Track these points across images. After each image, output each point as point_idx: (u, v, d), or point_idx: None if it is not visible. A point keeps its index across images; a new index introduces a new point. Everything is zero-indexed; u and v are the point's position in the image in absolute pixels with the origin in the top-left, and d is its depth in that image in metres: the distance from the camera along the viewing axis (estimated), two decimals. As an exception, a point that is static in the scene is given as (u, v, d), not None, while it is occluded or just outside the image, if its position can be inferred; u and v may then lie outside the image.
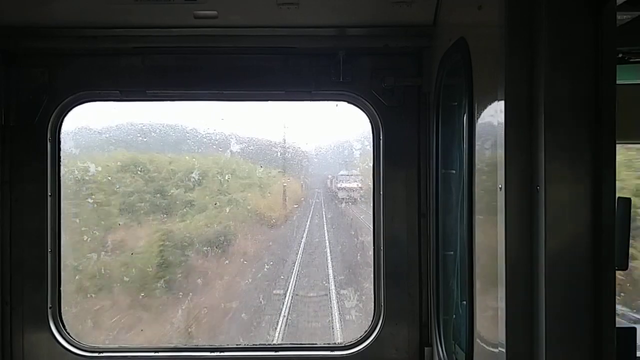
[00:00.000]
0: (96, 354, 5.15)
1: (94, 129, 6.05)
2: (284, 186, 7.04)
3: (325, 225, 7.67)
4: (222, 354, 5.20)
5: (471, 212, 3.75)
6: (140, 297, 6.33)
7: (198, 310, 6.44)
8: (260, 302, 6.99)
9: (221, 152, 6.63)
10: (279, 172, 6.85)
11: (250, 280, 6.83)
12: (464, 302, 3.95)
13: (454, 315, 4.59)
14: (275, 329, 6.91)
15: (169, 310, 6.37)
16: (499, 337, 3.20)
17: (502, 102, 3.18)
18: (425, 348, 5.04)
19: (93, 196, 6.08)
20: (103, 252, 6.12)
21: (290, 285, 7.33)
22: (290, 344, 5.86)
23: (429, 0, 4.64)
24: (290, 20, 4.77)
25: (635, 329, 3.76)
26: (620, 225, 3.45)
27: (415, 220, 5.16)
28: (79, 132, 5.75)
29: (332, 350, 5.23)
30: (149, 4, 4.58)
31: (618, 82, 3.01)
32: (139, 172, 6.51)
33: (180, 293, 6.49)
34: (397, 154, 5.17)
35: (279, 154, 6.90)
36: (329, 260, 7.46)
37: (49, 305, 5.10)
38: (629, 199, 3.79)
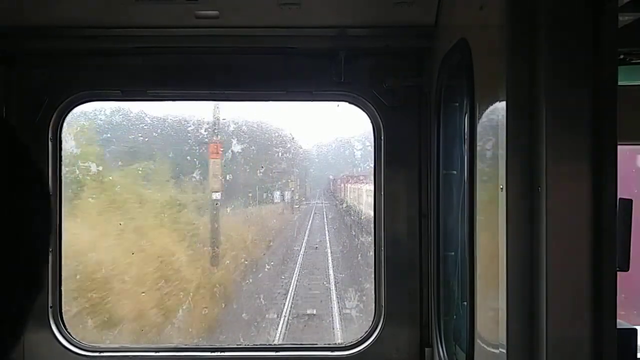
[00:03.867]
0: (97, 354, 5.15)
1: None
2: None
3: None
4: (222, 354, 5.20)
5: (472, 212, 3.75)
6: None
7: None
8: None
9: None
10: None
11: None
12: (465, 303, 3.94)
13: (455, 316, 4.59)
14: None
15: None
16: (500, 337, 3.20)
17: (504, 103, 3.18)
18: (426, 349, 5.03)
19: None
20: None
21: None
22: (291, 344, 5.87)
23: (430, 0, 4.63)
24: (291, 20, 4.77)
25: (636, 330, 3.77)
26: (621, 226, 3.45)
27: (416, 220, 5.16)
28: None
29: (332, 351, 5.22)
30: (150, 3, 4.58)
31: (619, 83, 3.01)
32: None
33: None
34: (398, 155, 5.17)
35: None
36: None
37: (50, 304, 5.10)
38: (630, 200, 3.80)
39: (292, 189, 6.17)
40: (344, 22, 4.88)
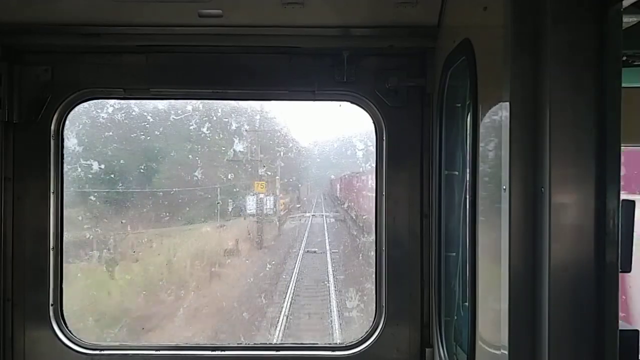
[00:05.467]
0: (97, 352, 5.15)
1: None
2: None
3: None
4: (223, 352, 5.20)
5: (474, 213, 3.74)
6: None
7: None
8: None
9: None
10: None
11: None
12: (466, 304, 3.94)
13: (456, 317, 4.59)
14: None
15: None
16: (502, 339, 3.19)
17: (507, 104, 3.17)
18: (427, 349, 5.03)
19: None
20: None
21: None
22: (291, 343, 5.88)
23: (433, 1, 4.63)
24: (294, 19, 4.77)
25: (638, 331, 3.76)
26: (624, 227, 3.44)
27: (418, 220, 5.16)
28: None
29: (332, 350, 5.22)
30: (153, 2, 4.58)
31: (622, 85, 3.01)
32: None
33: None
34: (400, 155, 5.17)
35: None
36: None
37: (51, 302, 5.10)
38: (632, 202, 3.80)
39: (268, 193, 5.23)
40: (347, 22, 4.88)
